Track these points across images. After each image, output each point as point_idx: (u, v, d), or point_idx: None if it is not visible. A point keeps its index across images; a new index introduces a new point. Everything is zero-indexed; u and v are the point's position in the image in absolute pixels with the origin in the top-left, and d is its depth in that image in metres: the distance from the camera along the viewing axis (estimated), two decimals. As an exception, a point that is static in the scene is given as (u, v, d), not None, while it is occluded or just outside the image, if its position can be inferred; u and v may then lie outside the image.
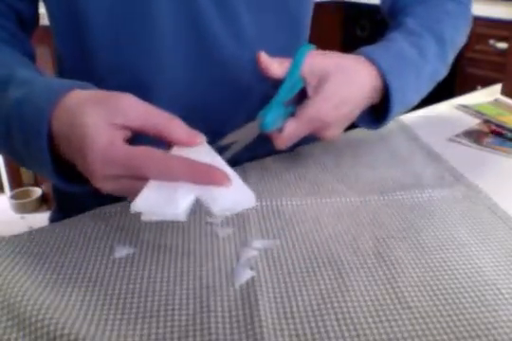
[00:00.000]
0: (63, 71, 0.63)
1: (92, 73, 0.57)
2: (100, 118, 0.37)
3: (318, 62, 0.50)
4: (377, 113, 0.57)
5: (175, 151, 0.39)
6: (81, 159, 0.38)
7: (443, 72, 0.62)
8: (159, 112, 0.39)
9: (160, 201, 0.36)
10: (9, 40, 0.55)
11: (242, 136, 0.46)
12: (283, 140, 0.51)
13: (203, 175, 0.36)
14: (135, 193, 0.37)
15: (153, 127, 0.38)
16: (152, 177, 0.36)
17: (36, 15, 0.59)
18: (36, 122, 0.39)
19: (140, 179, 0.37)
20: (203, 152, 0.40)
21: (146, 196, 0.36)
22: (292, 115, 0.50)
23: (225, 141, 0.45)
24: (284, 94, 0.50)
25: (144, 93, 0.57)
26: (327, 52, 0.53)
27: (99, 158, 0.36)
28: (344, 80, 0.50)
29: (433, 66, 0.58)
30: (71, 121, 0.38)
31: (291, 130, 0.50)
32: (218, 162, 0.40)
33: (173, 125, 0.38)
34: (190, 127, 0.40)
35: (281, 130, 0.50)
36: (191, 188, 0.36)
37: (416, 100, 0.59)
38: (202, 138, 0.40)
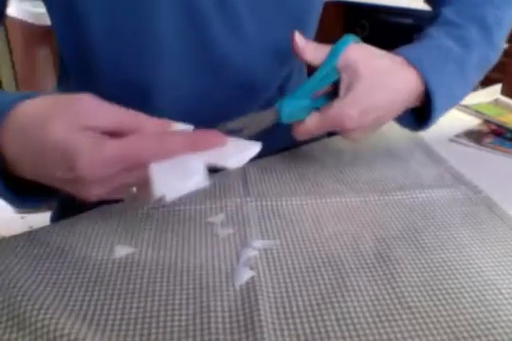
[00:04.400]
0: (64, 72, 0.63)
1: (93, 74, 0.57)
2: (69, 124, 0.34)
3: (354, 57, 0.48)
4: (420, 113, 0.54)
5: None
6: (61, 172, 0.35)
7: (493, 56, 0.59)
8: (126, 110, 0.37)
9: (177, 176, 0.35)
10: None
11: (254, 123, 0.43)
12: (301, 133, 0.49)
13: (201, 143, 0.36)
14: (128, 191, 0.36)
15: (128, 124, 0.36)
16: (152, 161, 0.35)
17: (3, 10, 0.55)
18: None
19: (134, 170, 0.36)
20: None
21: (159, 179, 0.35)
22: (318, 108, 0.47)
23: (235, 124, 0.41)
24: (313, 84, 0.46)
25: (145, 93, 0.57)
26: (369, 48, 0.50)
27: (87, 164, 0.33)
28: (378, 83, 0.48)
29: (480, 53, 0.56)
30: (33, 138, 0.35)
31: (311, 125, 0.48)
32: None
33: (144, 117, 0.37)
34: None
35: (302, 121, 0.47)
36: (196, 156, 0.36)
37: (466, 93, 0.57)
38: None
